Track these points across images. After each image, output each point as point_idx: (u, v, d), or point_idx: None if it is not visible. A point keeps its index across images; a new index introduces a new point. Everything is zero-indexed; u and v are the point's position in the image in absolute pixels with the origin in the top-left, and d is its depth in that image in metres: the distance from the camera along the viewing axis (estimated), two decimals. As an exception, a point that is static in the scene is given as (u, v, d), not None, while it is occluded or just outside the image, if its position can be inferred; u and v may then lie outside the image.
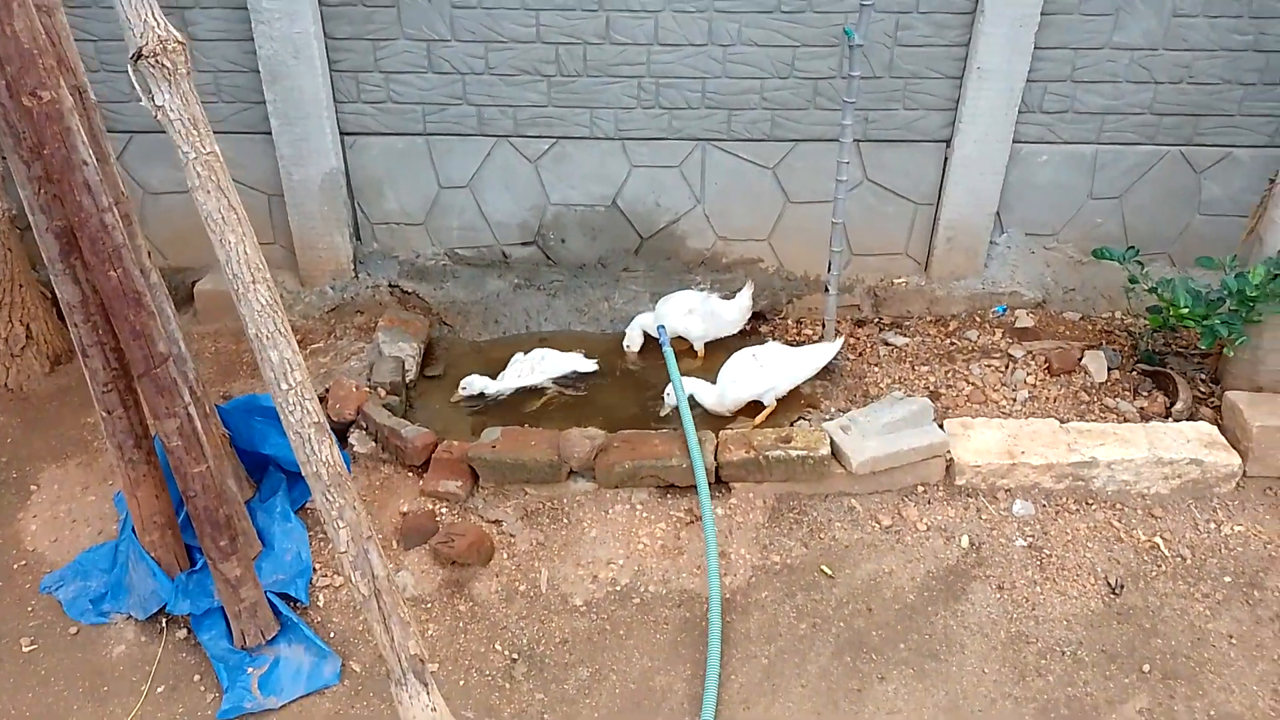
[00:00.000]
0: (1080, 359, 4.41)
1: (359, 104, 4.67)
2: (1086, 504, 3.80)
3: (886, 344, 4.69)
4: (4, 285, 4.26)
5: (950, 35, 4.46)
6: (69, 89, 2.82)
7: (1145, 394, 4.26)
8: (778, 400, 4.15)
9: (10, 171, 2.91)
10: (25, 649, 3.29)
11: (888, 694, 3.16)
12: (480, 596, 3.48)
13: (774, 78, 4.56)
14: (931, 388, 4.35)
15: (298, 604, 3.41)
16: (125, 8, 2.36)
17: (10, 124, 2.73)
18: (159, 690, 3.19)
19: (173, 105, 2.39)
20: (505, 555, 3.60)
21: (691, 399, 4.00)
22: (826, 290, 4.42)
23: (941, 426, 3.89)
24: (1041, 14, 4.35)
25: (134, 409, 3.16)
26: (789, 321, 4.92)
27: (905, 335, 4.75)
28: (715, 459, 3.73)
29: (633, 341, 4.51)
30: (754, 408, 4.19)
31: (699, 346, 4.57)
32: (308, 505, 3.74)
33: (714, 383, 4.12)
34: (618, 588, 3.49)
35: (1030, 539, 3.66)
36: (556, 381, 4.37)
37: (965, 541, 3.64)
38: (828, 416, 4.07)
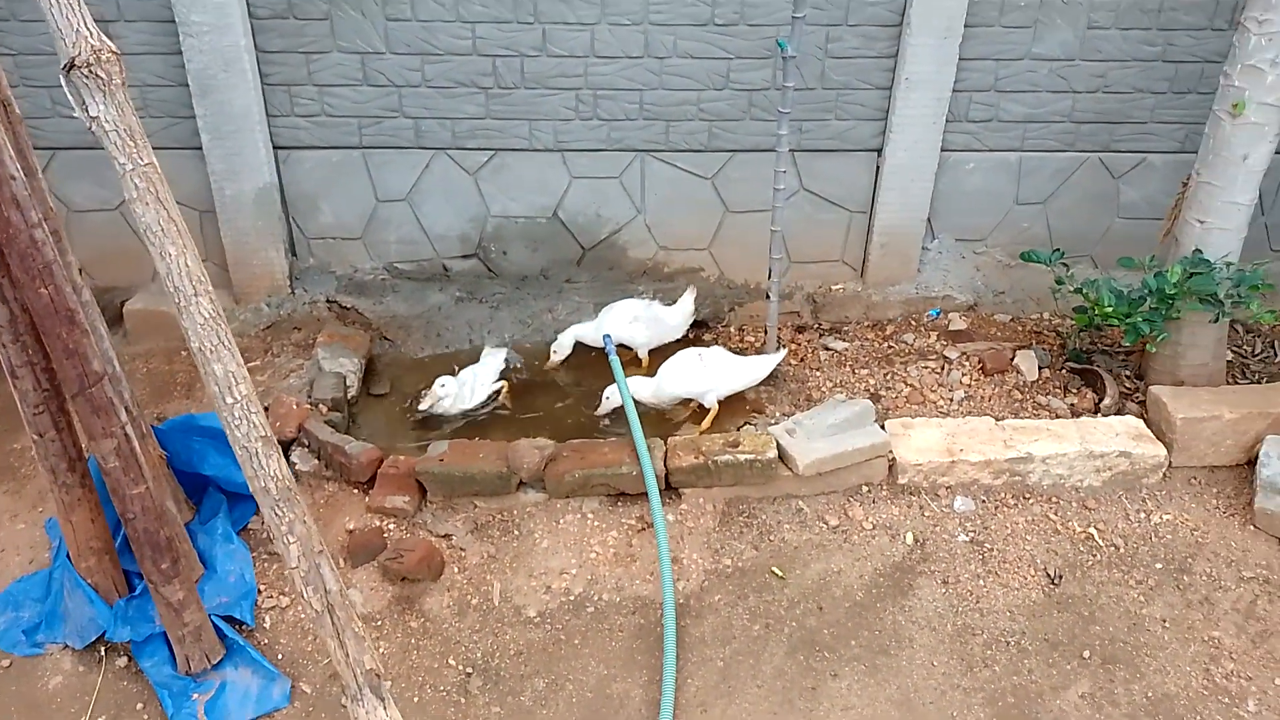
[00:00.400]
0: (1012, 359, 4.54)
1: (293, 117, 4.61)
2: (1024, 498, 3.90)
3: (827, 349, 4.76)
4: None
5: (879, 46, 4.58)
6: (-7, 102, 2.74)
7: (1075, 391, 4.40)
8: (719, 403, 4.19)
9: (-68, 187, 2.79)
10: (-47, 685, 3.15)
11: (841, 690, 3.20)
12: (432, 612, 3.44)
13: (710, 89, 4.63)
14: (872, 390, 4.43)
15: (243, 626, 3.33)
16: (56, 17, 2.30)
17: (-67, 137, 2.63)
18: (100, 721, 3.07)
19: (108, 116, 2.34)
20: (456, 569, 3.57)
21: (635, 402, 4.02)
22: (768, 297, 4.48)
23: (883, 427, 3.95)
24: (965, 26, 4.49)
25: (67, 431, 3.06)
26: (731, 329, 4.97)
27: (845, 340, 4.84)
28: (665, 465, 3.75)
29: (561, 348, 4.46)
30: (689, 406, 4.24)
31: (643, 354, 4.59)
32: (249, 526, 3.66)
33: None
34: (571, 597, 3.48)
35: (972, 534, 3.75)
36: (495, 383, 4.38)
37: (910, 538, 3.71)
38: (773, 421, 4.10)
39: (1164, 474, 3.97)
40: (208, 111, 4.45)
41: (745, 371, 4.25)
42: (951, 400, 4.33)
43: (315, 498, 3.79)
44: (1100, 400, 4.28)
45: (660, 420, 4.26)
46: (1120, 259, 4.46)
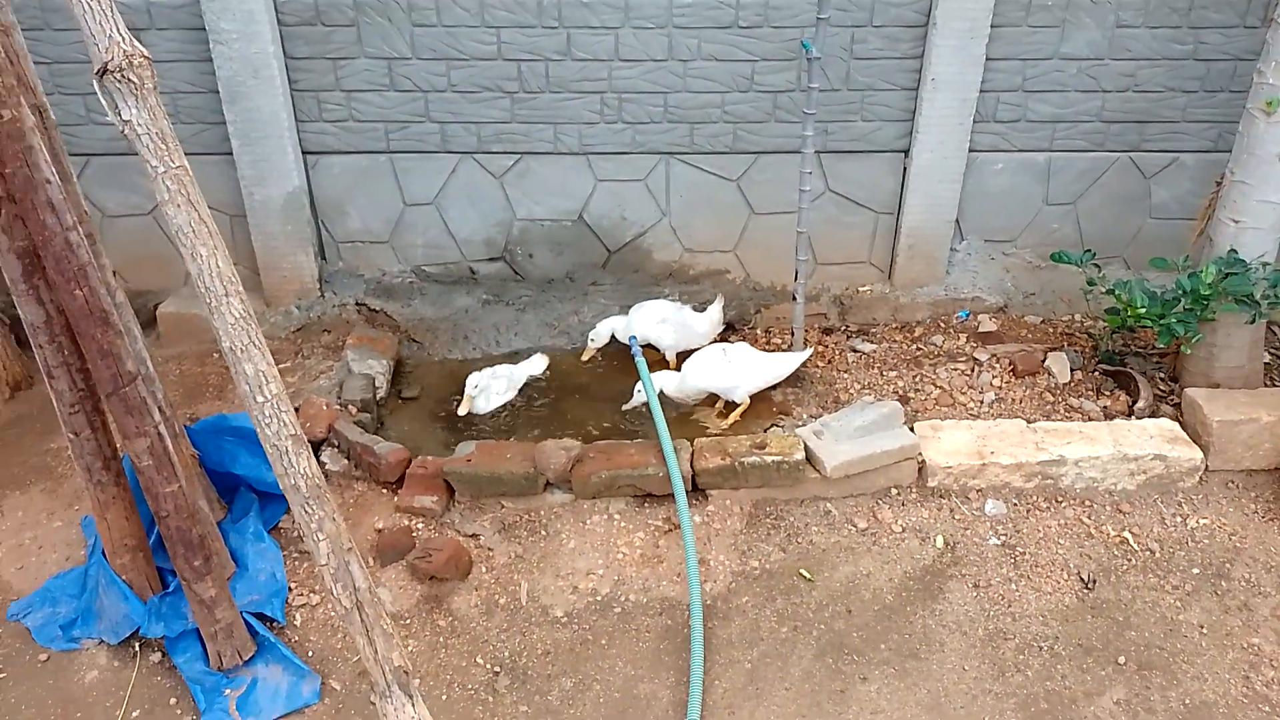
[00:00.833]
0: (1043, 361, 4.49)
1: (320, 123, 4.65)
2: (1056, 501, 3.86)
3: (854, 350, 4.73)
4: (-42, 314, 4.16)
5: (904, 48, 4.55)
6: (30, 107, 2.78)
7: (1108, 393, 4.35)
8: (749, 399, 4.18)
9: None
10: (-9, 680, 3.19)
11: (870, 694, 3.17)
12: (460, 611, 3.44)
13: (734, 91, 4.62)
14: (900, 392, 4.39)
15: (274, 624, 3.35)
16: (89, 23, 2.34)
17: (-28, 142, 2.68)
18: (134, 715, 3.11)
19: (140, 120, 2.36)
20: (484, 569, 3.57)
21: (660, 394, 4.05)
22: (794, 299, 4.46)
23: (912, 429, 3.92)
24: (991, 26, 4.45)
25: (102, 430, 3.10)
26: (758, 331, 4.95)
27: (872, 342, 4.80)
28: (691, 467, 3.73)
29: (599, 337, 4.48)
30: (713, 404, 4.23)
31: (670, 357, 4.58)
32: (280, 525, 3.69)
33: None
34: (598, 598, 3.47)
35: (1003, 537, 3.71)
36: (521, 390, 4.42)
37: (940, 542, 3.68)
38: (801, 423, 4.08)
39: (1200, 477, 3.92)
40: (237, 117, 4.50)
41: (769, 368, 4.23)
42: (981, 402, 4.29)
43: (344, 497, 3.81)
44: (1134, 403, 4.23)
45: (687, 421, 4.26)
46: (1152, 259, 4.40)
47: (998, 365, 4.51)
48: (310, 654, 3.28)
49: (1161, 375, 4.44)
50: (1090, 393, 4.34)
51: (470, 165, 4.76)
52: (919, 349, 4.73)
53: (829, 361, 4.65)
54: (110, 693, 3.16)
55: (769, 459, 3.72)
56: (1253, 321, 4.07)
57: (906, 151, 4.77)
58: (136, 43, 2.33)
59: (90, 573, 3.33)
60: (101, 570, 3.24)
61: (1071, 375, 4.42)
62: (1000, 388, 4.37)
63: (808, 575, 3.56)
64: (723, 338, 4.74)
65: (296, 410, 3.91)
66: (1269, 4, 4.46)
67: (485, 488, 3.73)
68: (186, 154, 4.31)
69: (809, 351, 4.37)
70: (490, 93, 4.60)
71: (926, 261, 4.97)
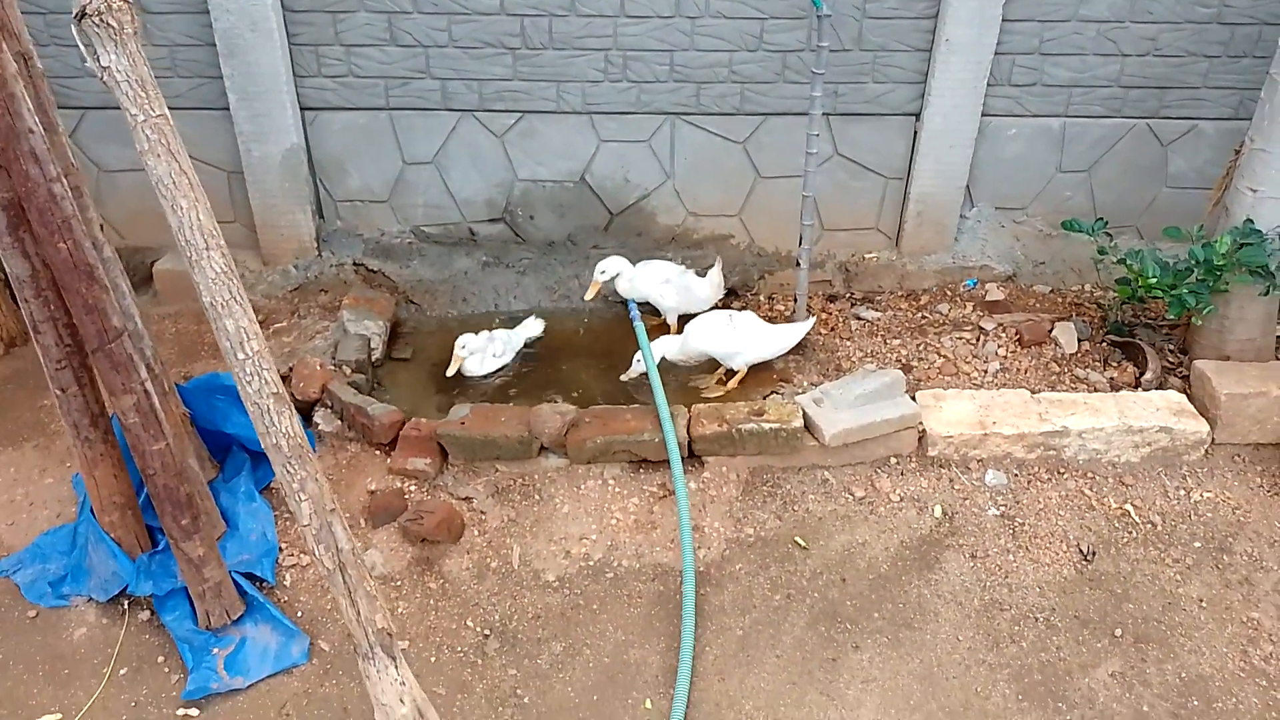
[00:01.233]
0: (1050, 331, 4.42)
1: (320, 78, 4.58)
2: (1058, 473, 3.81)
3: (858, 318, 4.67)
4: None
5: (918, 7, 4.44)
6: (13, 55, 2.72)
7: (1115, 364, 4.28)
8: (746, 368, 4.14)
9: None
10: (-19, 634, 3.20)
11: (862, 663, 3.15)
12: (451, 574, 3.43)
13: (742, 50, 4.52)
14: (903, 361, 4.33)
15: (264, 584, 3.35)
16: (70, -36, 2.27)
17: (-49, 90, 2.63)
18: (122, 672, 3.11)
19: (119, 66, 2.31)
20: (476, 532, 3.56)
21: (661, 360, 4.02)
22: (798, 265, 4.38)
23: (913, 398, 3.88)
24: (1009, -15, 4.32)
25: (89, 386, 3.07)
26: (760, 298, 4.88)
27: (877, 309, 4.73)
28: (688, 433, 3.70)
29: (608, 269, 4.39)
30: (713, 368, 4.19)
31: (671, 319, 4.51)
32: (273, 485, 3.66)
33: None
34: (590, 563, 3.46)
35: (1003, 508, 3.68)
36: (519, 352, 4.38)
37: (938, 511, 3.64)
38: (800, 390, 4.04)
39: (1206, 451, 3.86)
40: (235, 72, 4.43)
41: (774, 339, 4.19)
42: (986, 372, 4.24)
43: (338, 458, 3.80)
44: (1141, 374, 4.16)
45: (684, 389, 4.22)
46: (1166, 229, 4.30)
47: (1004, 335, 4.44)
48: (300, 614, 3.28)
49: (1171, 347, 4.37)
50: (1097, 364, 4.28)
51: (471, 123, 4.68)
52: (924, 317, 4.66)
53: (832, 329, 4.59)
54: (98, 650, 3.16)
55: (767, 426, 3.68)
56: (1267, 294, 3.98)
57: (918, 115, 4.67)
58: (117, -14, 2.25)
59: (80, 530, 3.33)
60: (91, 528, 3.24)
61: (1079, 346, 4.36)
62: (1005, 358, 4.32)
63: (803, 543, 3.53)
64: (724, 304, 4.69)
65: (290, 370, 3.91)
66: (1296, -35, 4.30)
67: (479, 451, 3.70)
68: (184, 109, 4.26)
69: (813, 321, 4.33)
70: (492, 49, 4.51)
71: (935, 228, 4.88)
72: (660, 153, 4.75)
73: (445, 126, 4.68)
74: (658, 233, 4.95)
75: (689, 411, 3.76)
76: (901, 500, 3.68)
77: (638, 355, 4.06)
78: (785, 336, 4.21)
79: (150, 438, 2.98)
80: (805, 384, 4.15)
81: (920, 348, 4.43)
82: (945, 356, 4.35)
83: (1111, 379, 4.18)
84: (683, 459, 3.64)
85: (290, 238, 4.79)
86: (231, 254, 2.41)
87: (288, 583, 3.39)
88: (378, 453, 3.79)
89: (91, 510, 3.24)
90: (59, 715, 2.97)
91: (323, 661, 3.15)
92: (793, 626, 3.26)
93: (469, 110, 4.64)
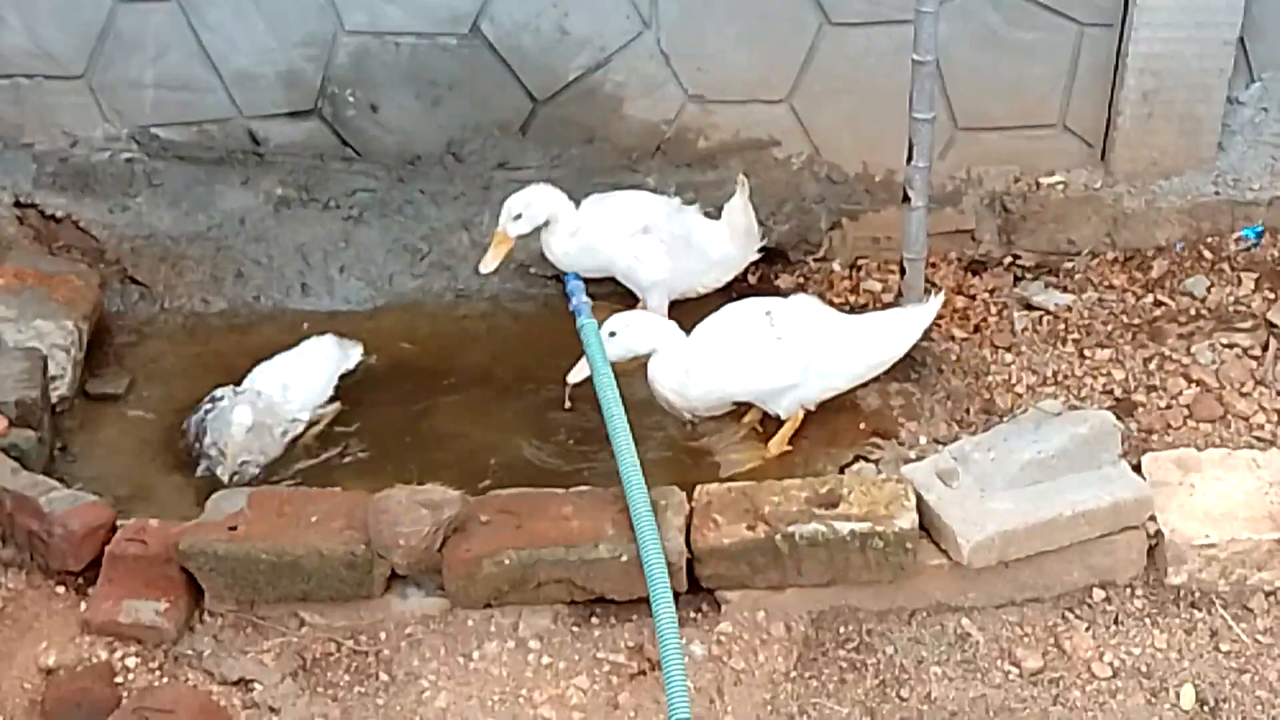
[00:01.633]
0: None
1: None
2: None
3: (1029, 306, 3.64)
4: None
5: None
6: None
7: None
8: (804, 412, 3.16)
9: None
10: None
11: None
12: None
13: None
14: (1118, 391, 3.35)
15: None
16: None
17: None
18: None
19: None
20: (261, 755, 2.52)
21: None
22: (907, 200, 3.27)
23: (1138, 469, 2.93)
24: None
25: None
26: (834, 264, 3.71)
27: (1064, 287, 3.66)
28: (688, 543, 2.61)
29: (528, 210, 3.20)
30: (740, 411, 3.24)
31: (658, 304, 3.31)
32: None
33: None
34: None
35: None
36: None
37: (1189, 697, 2.72)
38: (913, 453, 3.13)
39: None
40: None
41: (860, 349, 3.15)
42: (1280, 414, 3.30)
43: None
44: None
45: (685, 450, 3.19)
46: None
47: (1319, 339, 3.39)
48: None
49: None
50: None
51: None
52: (1157, 303, 3.59)
53: (976, 327, 3.52)
54: None
55: (845, 527, 2.69)
56: None
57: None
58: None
59: None
60: None
61: None
62: (1322, 384, 3.31)
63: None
64: (761, 275, 3.53)
65: None
66: None
67: (268, 583, 2.69)
68: None
69: (938, 304, 3.22)
70: None
71: (1179, 125, 3.65)
72: (632, -24, 3.50)
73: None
74: (628, 137, 3.70)
75: (691, 498, 2.71)
76: (1114, 675, 2.76)
77: (581, 363, 3.05)
78: (883, 342, 3.20)
79: None
80: (922, 439, 3.19)
81: (1150, 364, 3.37)
82: (1200, 382, 3.31)
83: None
84: (679, 595, 2.59)
85: None
86: None
87: None
88: (61, 589, 2.83)
89: None
90: None
91: None
92: None
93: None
